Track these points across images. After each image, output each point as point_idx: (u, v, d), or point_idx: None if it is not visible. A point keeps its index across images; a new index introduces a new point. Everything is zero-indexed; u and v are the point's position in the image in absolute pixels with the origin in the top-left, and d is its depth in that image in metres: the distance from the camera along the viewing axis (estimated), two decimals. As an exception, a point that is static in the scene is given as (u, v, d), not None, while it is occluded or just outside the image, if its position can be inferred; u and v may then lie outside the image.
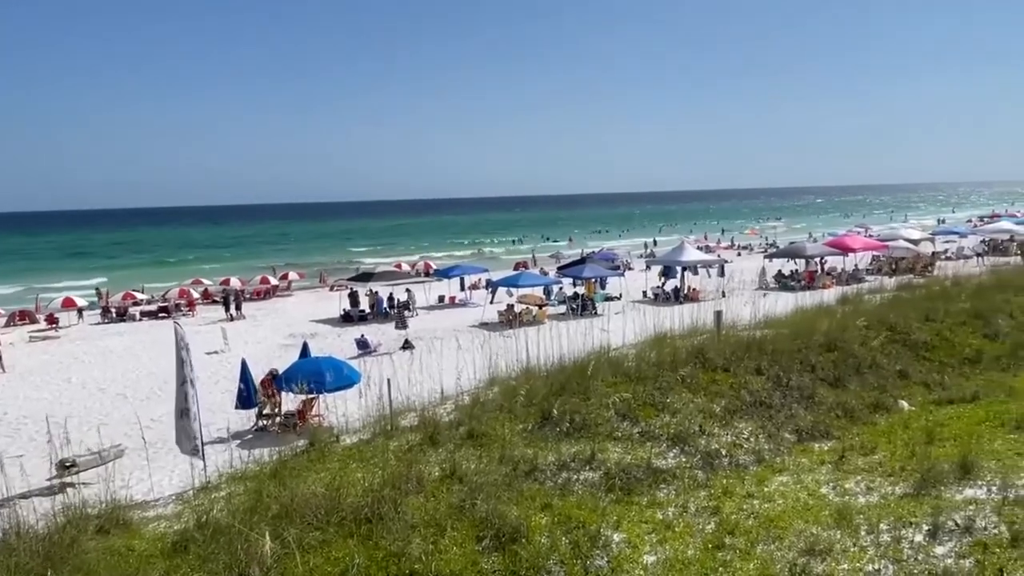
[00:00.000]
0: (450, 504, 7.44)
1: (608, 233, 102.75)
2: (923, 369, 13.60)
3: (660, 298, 33.81)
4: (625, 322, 17.65)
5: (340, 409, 13.40)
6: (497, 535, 6.85)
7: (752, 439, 10.02)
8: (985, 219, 74.62)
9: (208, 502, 8.13)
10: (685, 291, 33.95)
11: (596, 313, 30.01)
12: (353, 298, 34.34)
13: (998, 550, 6.08)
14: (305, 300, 42.80)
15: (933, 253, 42.81)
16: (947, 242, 50.47)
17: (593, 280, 35.22)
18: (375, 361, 19.27)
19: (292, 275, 49.24)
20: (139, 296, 41.55)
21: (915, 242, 43.91)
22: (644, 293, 35.15)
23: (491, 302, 34.73)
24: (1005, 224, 52.83)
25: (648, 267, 41.11)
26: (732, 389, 11.34)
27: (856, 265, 39.53)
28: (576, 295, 33.29)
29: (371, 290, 34.56)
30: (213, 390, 19.02)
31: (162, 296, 41.88)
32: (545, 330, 17.21)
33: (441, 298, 37.92)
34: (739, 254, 58.03)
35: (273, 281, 46.01)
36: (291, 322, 33.20)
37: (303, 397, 15.51)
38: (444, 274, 40.40)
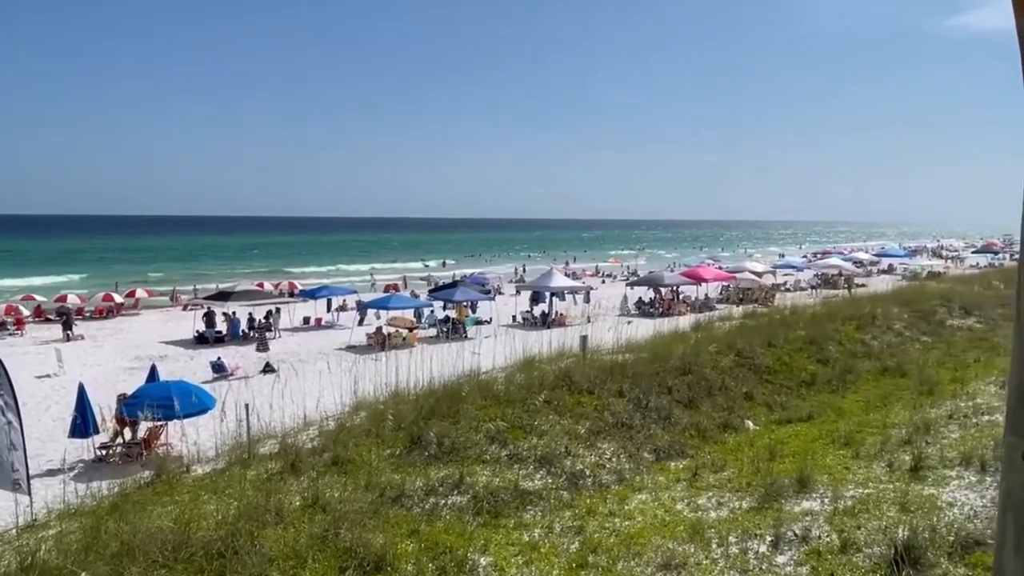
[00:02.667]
0: (312, 534, 7.13)
1: (479, 257, 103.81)
2: (766, 391, 14.70)
3: (529, 322, 34.52)
4: (495, 346, 17.82)
5: (191, 437, 12.54)
6: (361, 565, 6.63)
7: (614, 459, 10.38)
8: (818, 255, 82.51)
9: (35, 542, 7.28)
10: (553, 316, 34.88)
11: (467, 336, 30.13)
12: (209, 318, 32.42)
13: (830, 556, 6.65)
14: (155, 320, 39.86)
15: (774, 285, 46.76)
16: (786, 275, 55.24)
17: (464, 304, 35.42)
18: (232, 385, 18.20)
19: (140, 292, 45.71)
20: (-45, 313, 36.96)
21: (759, 274, 47.82)
22: (514, 317, 35.76)
23: (360, 324, 33.99)
24: (835, 260, 58.91)
25: (518, 292, 41.95)
26: (596, 411, 11.71)
27: (707, 294, 42.36)
28: (447, 318, 33.29)
29: (233, 312, 32.81)
30: (43, 417, 17.23)
31: (-17, 313, 37.49)
32: (415, 353, 17.04)
33: (306, 320, 36.62)
34: (603, 281, 60.48)
35: (118, 299, 42.51)
36: (138, 343, 30.78)
37: (149, 424, 14.40)
38: (310, 295, 39.14)
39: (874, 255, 72.92)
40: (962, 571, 6.03)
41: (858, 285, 45.78)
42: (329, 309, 38.60)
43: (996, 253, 74.48)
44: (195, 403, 14.52)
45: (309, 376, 18.09)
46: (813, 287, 48.32)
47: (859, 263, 62.63)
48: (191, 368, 24.04)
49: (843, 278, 49.94)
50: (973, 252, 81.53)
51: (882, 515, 7.34)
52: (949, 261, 74.18)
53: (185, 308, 42.55)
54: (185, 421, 14.11)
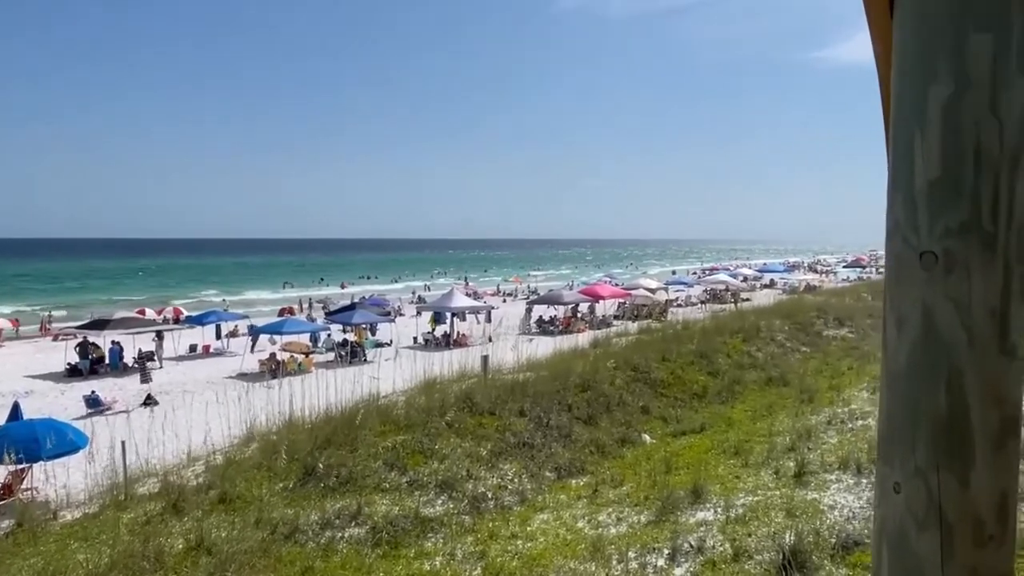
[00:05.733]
0: (195, 580, 6.65)
1: (379, 279, 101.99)
2: (661, 404, 15.15)
3: (431, 344, 34.16)
4: (396, 369, 17.48)
5: (60, 479, 11.51)
6: (250, 609, 6.24)
7: (516, 480, 10.35)
8: (707, 271, 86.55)
9: None
10: (455, 337, 34.71)
11: (366, 360, 29.44)
12: (83, 349, 30.09)
13: (724, 566, 6.84)
14: (20, 352, 36.56)
15: (667, 300, 48.55)
16: (678, 291, 57.56)
17: (363, 326, 34.65)
18: (110, 421, 16.93)
19: (2, 323, 41.91)
20: None
21: (652, 291, 49.54)
22: (415, 339, 35.30)
23: (252, 351, 32.53)
24: (722, 276, 62.08)
25: (419, 313, 41.48)
26: (498, 432, 11.66)
27: (603, 312, 43.46)
28: (345, 342, 32.44)
29: (115, 341, 30.63)
30: None
31: None
32: (311, 379, 16.47)
33: (193, 347, 34.67)
34: (504, 300, 60.83)
35: (-24, 330, 38.79)
36: (-1, 378, 28.09)
37: (11, 468, 13.10)
38: (197, 321, 37.11)
39: (757, 271, 77.31)
40: (844, 571, 6.34)
41: (743, 299, 48.27)
42: (219, 336, 36.74)
43: (864, 267, 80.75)
44: (65, 442, 13.33)
45: (195, 407, 17.07)
46: (703, 302, 50.52)
47: (744, 279, 66.22)
48: (62, 403, 22.18)
49: (730, 293, 52.53)
50: (844, 267, 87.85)
51: (770, 521, 7.64)
52: (823, 275, 79.55)
53: (56, 338, 39.28)
54: (53, 462, 12.93)
